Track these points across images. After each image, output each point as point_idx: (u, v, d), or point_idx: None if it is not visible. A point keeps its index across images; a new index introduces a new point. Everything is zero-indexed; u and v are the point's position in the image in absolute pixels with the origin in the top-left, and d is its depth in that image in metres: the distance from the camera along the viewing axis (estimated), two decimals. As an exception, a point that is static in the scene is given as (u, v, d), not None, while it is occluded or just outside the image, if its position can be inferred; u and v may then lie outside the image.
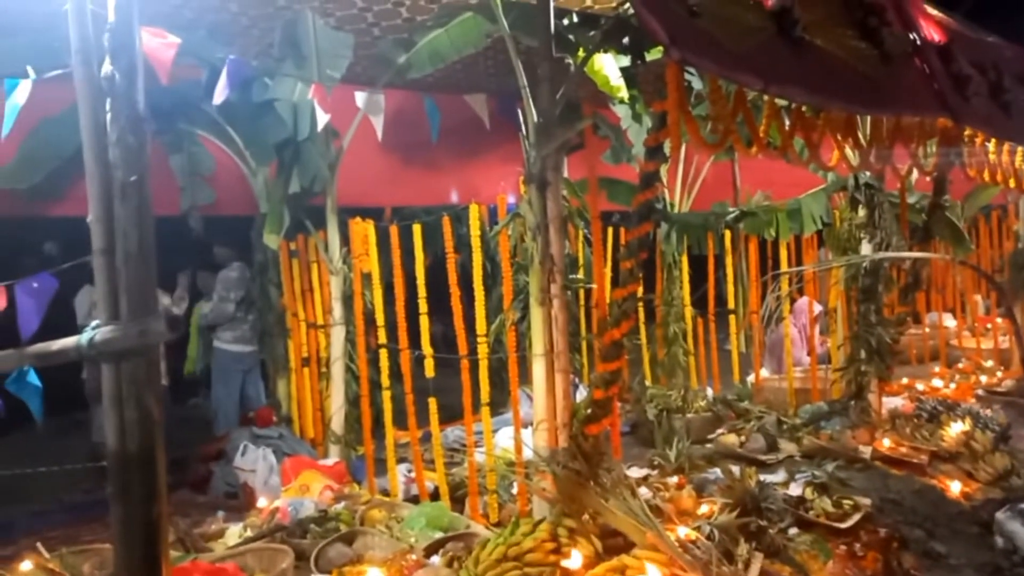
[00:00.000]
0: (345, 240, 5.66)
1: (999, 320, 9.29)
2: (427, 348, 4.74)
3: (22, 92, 3.76)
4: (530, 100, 3.88)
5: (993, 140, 5.64)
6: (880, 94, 4.34)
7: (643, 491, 4.21)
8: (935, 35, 4.94)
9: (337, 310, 5.81)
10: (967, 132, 5.42)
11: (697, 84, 4.54)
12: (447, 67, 5.19)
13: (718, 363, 7.60)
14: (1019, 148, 6.05)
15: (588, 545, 3.37)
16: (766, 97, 4.11)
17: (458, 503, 4.78)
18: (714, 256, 7.37)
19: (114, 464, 2.05)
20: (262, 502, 4.97)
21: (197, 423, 7.36)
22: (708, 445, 5.64)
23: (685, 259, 7.07)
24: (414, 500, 4.88)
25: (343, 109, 5.37)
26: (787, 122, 4.29)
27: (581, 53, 4.29)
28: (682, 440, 5.31)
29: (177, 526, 4.23)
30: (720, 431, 5.84)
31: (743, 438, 5.55)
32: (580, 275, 5.81)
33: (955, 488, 4.81)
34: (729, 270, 7.38)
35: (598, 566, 3.21)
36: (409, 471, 5.19)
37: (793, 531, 3.94)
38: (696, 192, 7.82)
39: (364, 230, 5.17)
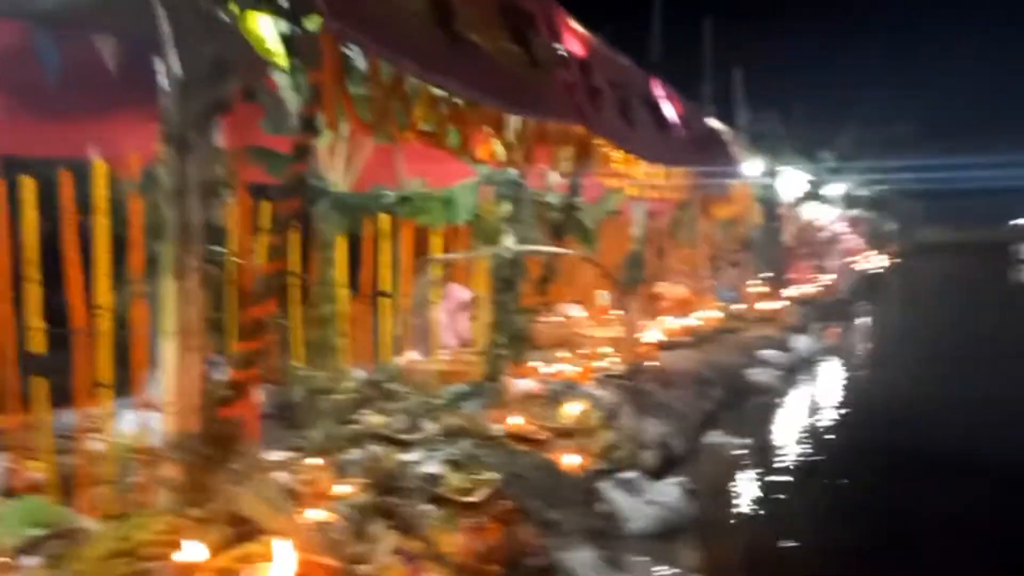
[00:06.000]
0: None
1: (617, 312, 10.54)
2: (35, 320, 4.13)
3: None
4: (173, 51, 3.52)
5: (620, 151, 6.37)
6: (527, 96, 4.67)
7: (283, 474, 4.08)
8: (578, 49, 5.43)
9: (-78, 272, 4.84)
10: (599, 141, 6.06)
11: (362, 64, 4.49)
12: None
13: (372, 345, 7.65)
14: (641, 161, 6.90)
15: (217, 534, 3.17)
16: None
17: (71, 497, 4.24)
18: (372, 239, 7.38)
19: None
20: None
21: None
22: (354, 426, 5.64)
23: (343, 240, 6.99)
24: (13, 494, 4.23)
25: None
26: (443, 111, 4.43)
27: (235, 7, 3.99)
28: (328, 421, 5.25)
29: None
30: (366, 412, 5.87)
31: (389, 418, 5.64)
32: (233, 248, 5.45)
33: (571, 461, 5.33)
34: (386, 254, 7.45)
35: (222, 555, 3.03)
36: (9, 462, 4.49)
37: (427, 507, 4.07)
38: (359, 174, 7.76)
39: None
